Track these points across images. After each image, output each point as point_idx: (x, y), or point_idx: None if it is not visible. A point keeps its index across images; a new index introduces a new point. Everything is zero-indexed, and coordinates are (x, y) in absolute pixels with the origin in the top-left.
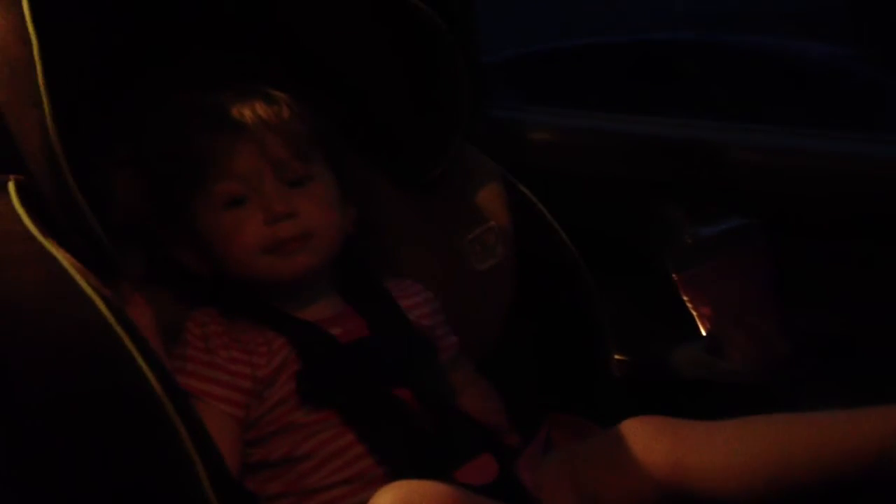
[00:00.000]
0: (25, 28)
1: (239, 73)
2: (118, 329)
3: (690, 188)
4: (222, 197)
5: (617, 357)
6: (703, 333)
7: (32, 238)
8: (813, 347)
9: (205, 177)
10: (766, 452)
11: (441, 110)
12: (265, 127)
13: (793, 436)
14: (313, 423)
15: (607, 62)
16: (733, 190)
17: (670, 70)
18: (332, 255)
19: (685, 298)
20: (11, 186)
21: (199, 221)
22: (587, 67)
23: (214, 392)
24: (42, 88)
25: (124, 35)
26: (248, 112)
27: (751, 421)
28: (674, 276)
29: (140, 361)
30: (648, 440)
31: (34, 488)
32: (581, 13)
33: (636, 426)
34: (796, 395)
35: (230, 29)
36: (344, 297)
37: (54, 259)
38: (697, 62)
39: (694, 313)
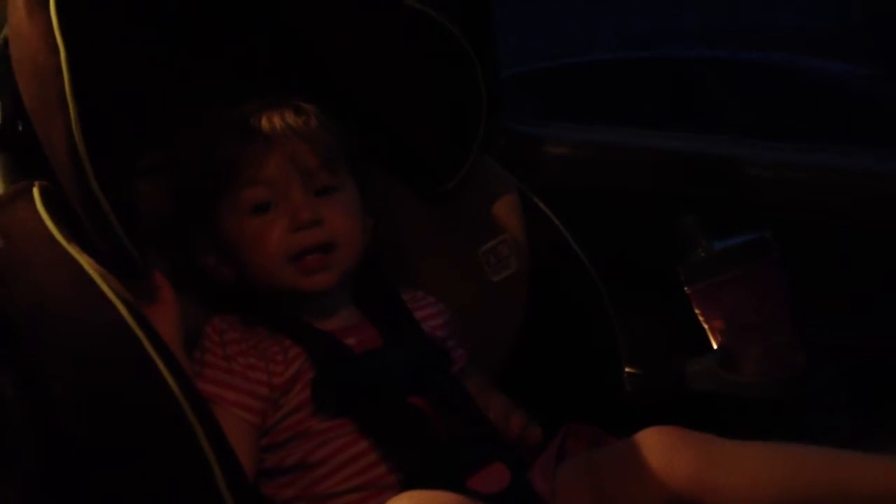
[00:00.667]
0: (53, 36)
1: (267, 86)
2: (139, 333)
3: (705, 202)
4: (249, 202)
5: (629, 370)
6: (715, 347)
7: (56, 242)
8: (829, 363)
9: (233, 182)
10: (790, 481)
11: (459, 122)
12: (295, 135)
13: (820, 470)
14: (327, 430)
15: (623, 77)
16: (748, 204)
17: (686, 86)
18: (352, 268)
19: (697, 312)
20: (36, 192)
21: (224, 227)
22: (603, 82)
23: (231, 398)
24: (69, 96)
25: (154, 47)
26: (278, 120)
27: (778, 447)
28: (686, 289)
29: (160, 365)
30: (669, 450)
31: (56, 486)
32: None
33: (657, 435)
34: (811, 411)
35: (253, 47)
36: (359, 307)
37: (77, 263)
38: (713, 78)
39: (706, 326)
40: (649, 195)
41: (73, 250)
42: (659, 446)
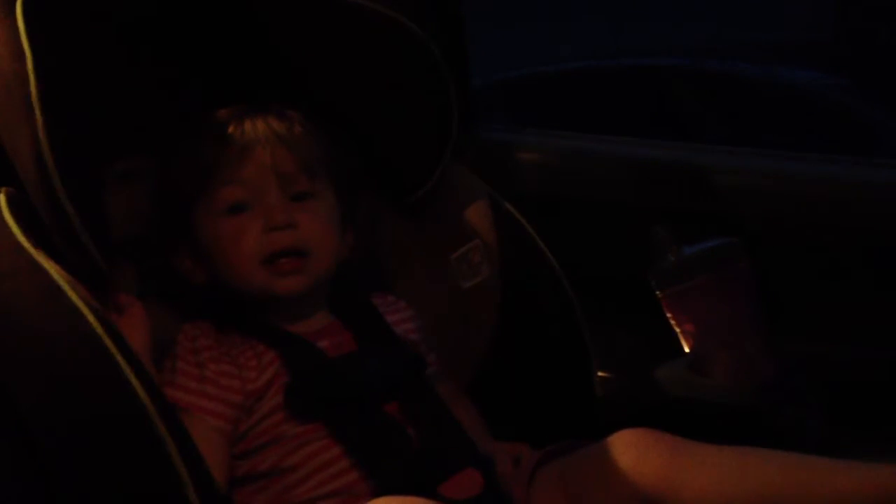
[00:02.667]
0: (20, 42)
1: (245, 92)
2: (107, 341)
3: (676, 208)
4: (225, 202)
5: (601, 374)
6: (687, 351)
7: (23, 250)
8: (798, 370)
9: (211, 182)
10: (757, 485)
11: (430, 130)
12: (276, 139)
13: (787, 475)
14: (300, 435)
15: (597, 86)
16: (720, 211)
17: (660, 95)
18: (326, 276)
19: (669, 316)
20: (2, 198)
21: (201, 228)
22: (574, 91)
23: (204, 406)
24: (36, 103)
25: (127, 53)
26: (261, 124)
27: (746, 451)
28: (657, 293)
29: (129, 375)
30: (639, 452)
31: (26, 494)
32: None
33: (627, 437)
34: (780, 416)
35: (227, 56)
36: (331, 311)
37: (44, 271)
38: (688, 88)
39: (678, 331)
40: (621, 202)
41: (40, 257)
42: (629, 448)
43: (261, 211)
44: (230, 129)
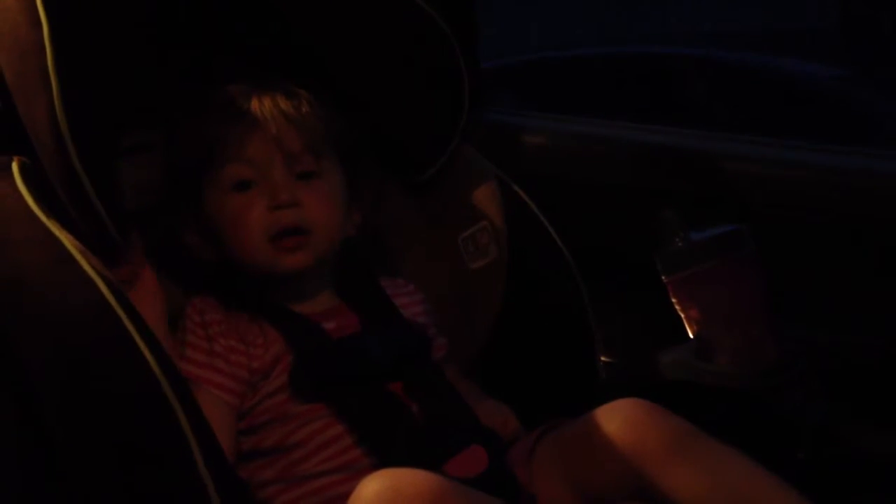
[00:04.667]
0: (36, 10)
1: (258, 69)
2: (120, 311)
3: (684, 194)
4: (231, 179)
5: (604, 359)
6: (691, 337)
7: (36, 219)
8: (801, 356)
9: (218, 159)
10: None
11: (441, 111)
12: (282, 118)
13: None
14: (305, 413)
15: (604, 73)
16: (727, 198)
17: (667, 83)
18: (329, 254)
19: (674, 301)
20: (15, 167)
21: (207, 204)
22: (580, 77)
23: (212, 379)
24: (52, 72)
25: (143, 25)
26: (268, 102)
27: (740, 460)
28: (664, 278)
29: (140, 344)
30: (641, 432)
31: (33, 460)
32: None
33: (630, 412)
34: (783, 401)
35: (240, 32)
36: (338, 293)
37: (57, 241)
38: (694, 76)
39: (682, 316)
40: (629, 187)
41: (54, 227)
42: (628, 425)
43: (266, 188)
44: (237, 106)
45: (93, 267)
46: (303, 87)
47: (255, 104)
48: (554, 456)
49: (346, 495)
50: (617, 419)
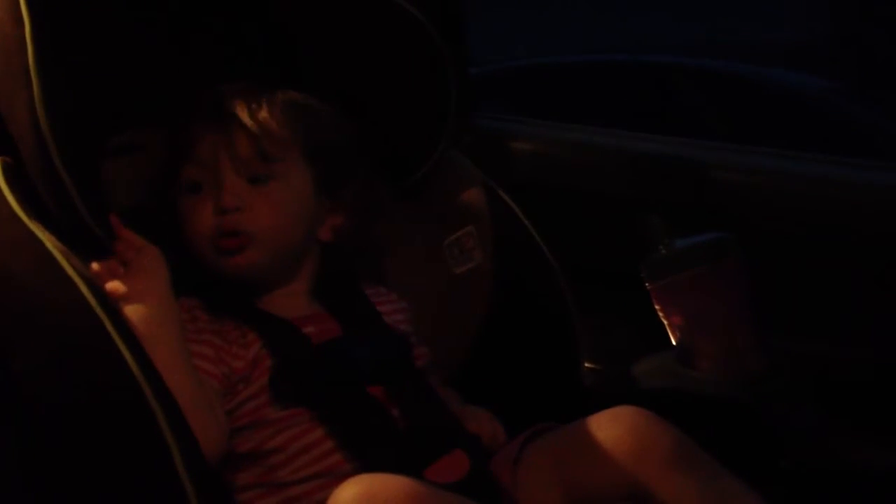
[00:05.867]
0: (19, 7)
1: (243, 71)
2: (100, 312)
3: (670, 202)
4: (185, 181)
5: (588, 365)
6: (674, 343)
7: (17, 219)
8: (786, 365)
9: (178, 161)
10: None
11: (428, 115)
12: (234, 121)
13: None
14: (284, 418)
15: (595, 81)
16: (714, 206)
17: (658, 92)
18: (284, 257)
19: (658, 308)
20: None
21: (176, 202)
22: (572, 84)
23: (201, 365)
24: (33, 69)
25: (127, 25)
26: (228, 105)
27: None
28: (647, 285)
29: (120, 345)
30: (645, 442)
31: (16, 459)
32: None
33: (632, 420)
34: (767, 410)
35: (226, 32)
36: (318, 299)
37: (39, 241)
38: (685, 85)
39: (665, 323)
40: (616, 194)
41: (35, 227)
42: (630, 432)
43: (213, 192)
44: (198, 109)
45: (74, 268)
46: (282, 89)
47: (212, 107)
48: (544, 460)
49: (324, 502)
50: (619, 426)
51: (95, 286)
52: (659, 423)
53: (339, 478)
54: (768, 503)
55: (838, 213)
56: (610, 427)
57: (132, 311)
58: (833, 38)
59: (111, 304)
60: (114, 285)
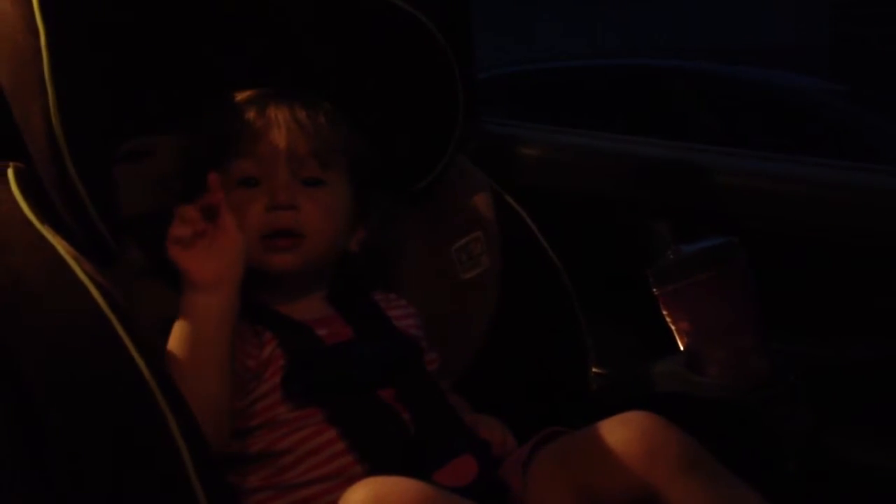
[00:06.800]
0: (34, 18)
1: (255, 79)
2: (111, 316)
3: (675, 207)
4: (237, 174)
5: (596, 370)
6: (682, 349)
7: (30, 224)
8: (791, 368)
9: (228, 154)
10: None
11: (436, 121)
12: (294, 123)
13: None
14: (295, 419)
15: (596, 85)
16: (718, 210)
17: (656, 95)
18: (321, 263)
19: (665, 313)
20: (11, 173)
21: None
22: (573, 88)
23: None
24: (48, 78)
25: (140, 35)
26: (285, 108)
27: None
28: (655, 290)
29: (132, 350)
30: (657, 447)
31: (26, 462)
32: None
33: (642, 423)
34: (773, 414)
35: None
36: (332, 303)
37: (51, 246)
38: (685, 89)
39: (673, 328)
40: (622, 199)
41: (48, 233)
42: (643, 436)
43: (268, 188)
44: (254, 108)
45: (86, 272)
46: (325, 99)
47: (271, 108)
48: (555, 465)
49: None
50: (628, 430)
51: (107, 290)
52: (668, 427)
53: (349, 480)
54: None
55: (840, 215)
56: (619, 432)
57: (194, 301)
58: (832, 40)
59: (122, 309)
60: (186, 256)
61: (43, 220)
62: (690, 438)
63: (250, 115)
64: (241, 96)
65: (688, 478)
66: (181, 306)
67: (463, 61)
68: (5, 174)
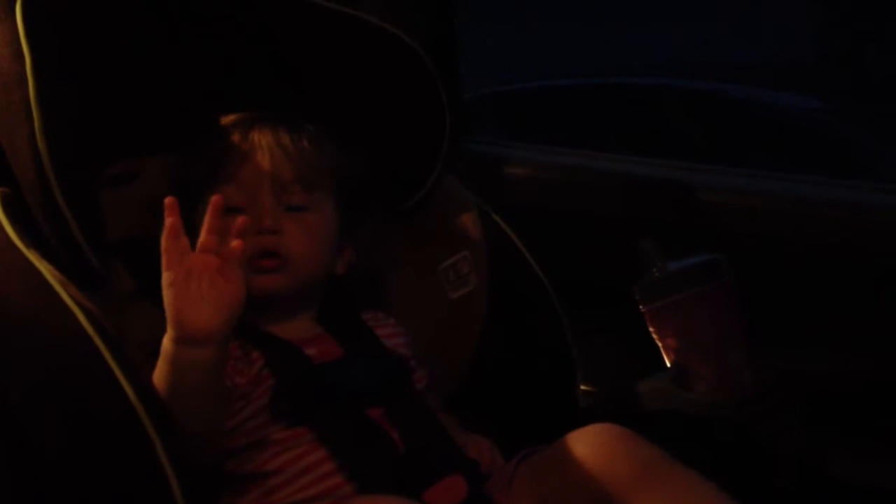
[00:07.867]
0: (19, 43)
1: (248, 100)
2: (97, 341)
3: (662, 224)
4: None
5: (584, 387)
6: (669, 365)
7: (15, 249)
8: (779, 383)
9: (212, 180)
10: None
11: (423, 141)
12: (278, 148)
13: None
14: (285, 439)
15: (587, 103)
16: (706, 228)
17: (649, 114)
18: (307, 285)
19: (652, 330)
20: None
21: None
22: (562, 107)
23: None
24: (34, 103)
25: (126, 59)
26: (268, 133)
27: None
28: (642, 308)
29: (117, 373)
30: (614, 458)
31: (10, 487)
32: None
33: (600, 436)
34: (761, 429)
35: (227, 61)
36: (320, 323)
37: (37, 271)
38: (673, 106)
39: (660, 345)
40: (609, 217)
41: (33, 257)
42: (600, 448)
43: (252, 214)
44: (238, 132)
45: (72, 297)
46: (310, 122)
47: (255, 133)
48: (530, 480)
49: None
50: (588, 443)
51: (93, 314)
52: (631, 438)
53: (339, 500)
54: None
55: (827, 231)
56: (581, 445)
57: (177, 354)
58: (822, 58)
59: (108, 333)
60: (180, 293)
61: (29, 245)
62: (656, 449)
63: (234, 138)
64: (225, 119)
65: (648, 488)
66: (162, 352)
67: (449, 81)
68: None
